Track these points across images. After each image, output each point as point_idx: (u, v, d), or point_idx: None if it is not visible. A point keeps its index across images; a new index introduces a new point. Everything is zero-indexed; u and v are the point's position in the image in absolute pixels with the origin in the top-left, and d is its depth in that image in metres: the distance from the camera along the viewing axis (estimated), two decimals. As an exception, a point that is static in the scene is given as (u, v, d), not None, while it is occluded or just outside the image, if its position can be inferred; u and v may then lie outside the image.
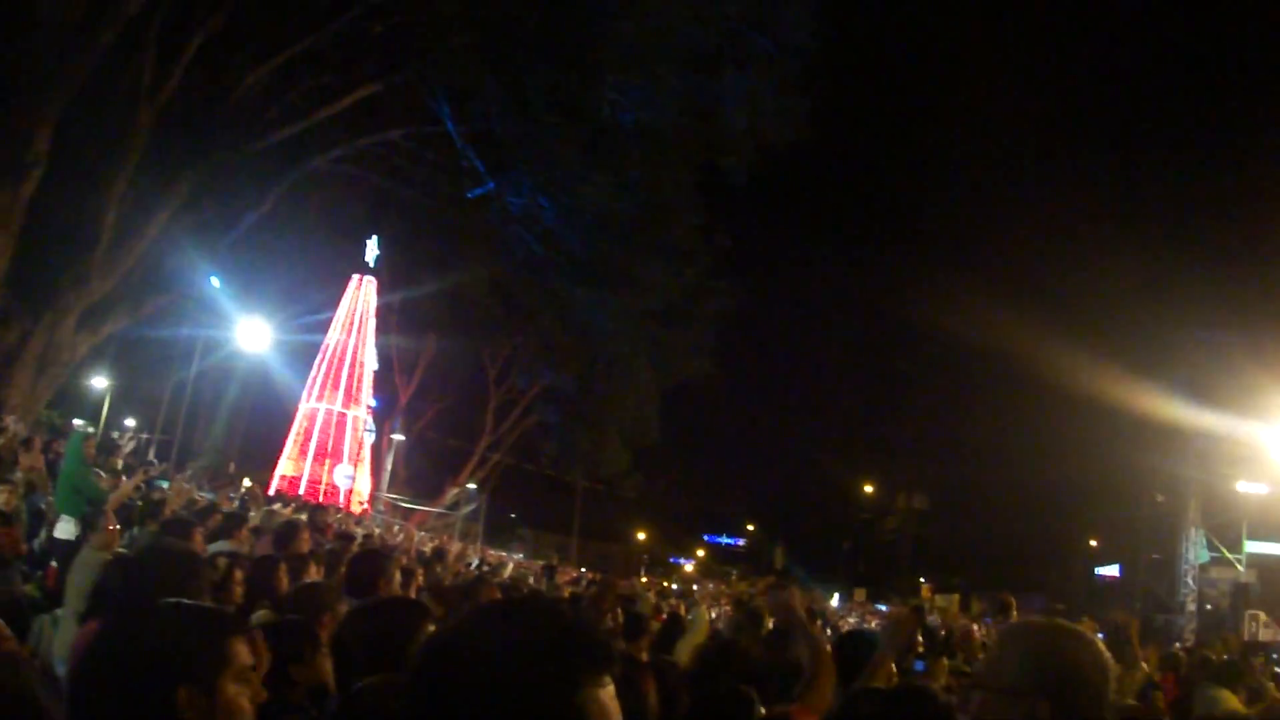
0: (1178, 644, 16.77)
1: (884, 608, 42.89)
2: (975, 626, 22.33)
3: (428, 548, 23.57)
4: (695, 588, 43.52)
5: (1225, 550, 34.71)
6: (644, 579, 47.61)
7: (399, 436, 48.14)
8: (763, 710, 4.01)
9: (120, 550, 7.30)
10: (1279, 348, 30.33)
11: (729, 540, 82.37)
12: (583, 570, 43.18)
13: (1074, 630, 2.67)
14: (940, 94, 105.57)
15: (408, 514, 45.45)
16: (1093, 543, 61.33)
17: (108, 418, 42.26)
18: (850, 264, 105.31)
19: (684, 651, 7.53)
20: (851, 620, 26.28)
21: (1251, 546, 34.58)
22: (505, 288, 39.96)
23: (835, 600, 45.40)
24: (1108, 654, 2.63)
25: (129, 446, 21.90)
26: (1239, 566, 34.61)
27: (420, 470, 50.89)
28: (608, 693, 1.66)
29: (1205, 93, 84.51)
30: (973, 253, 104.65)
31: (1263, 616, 29.98)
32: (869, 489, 75.01)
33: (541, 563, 31.26)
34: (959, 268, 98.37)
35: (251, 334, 35.11)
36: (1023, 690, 2.49)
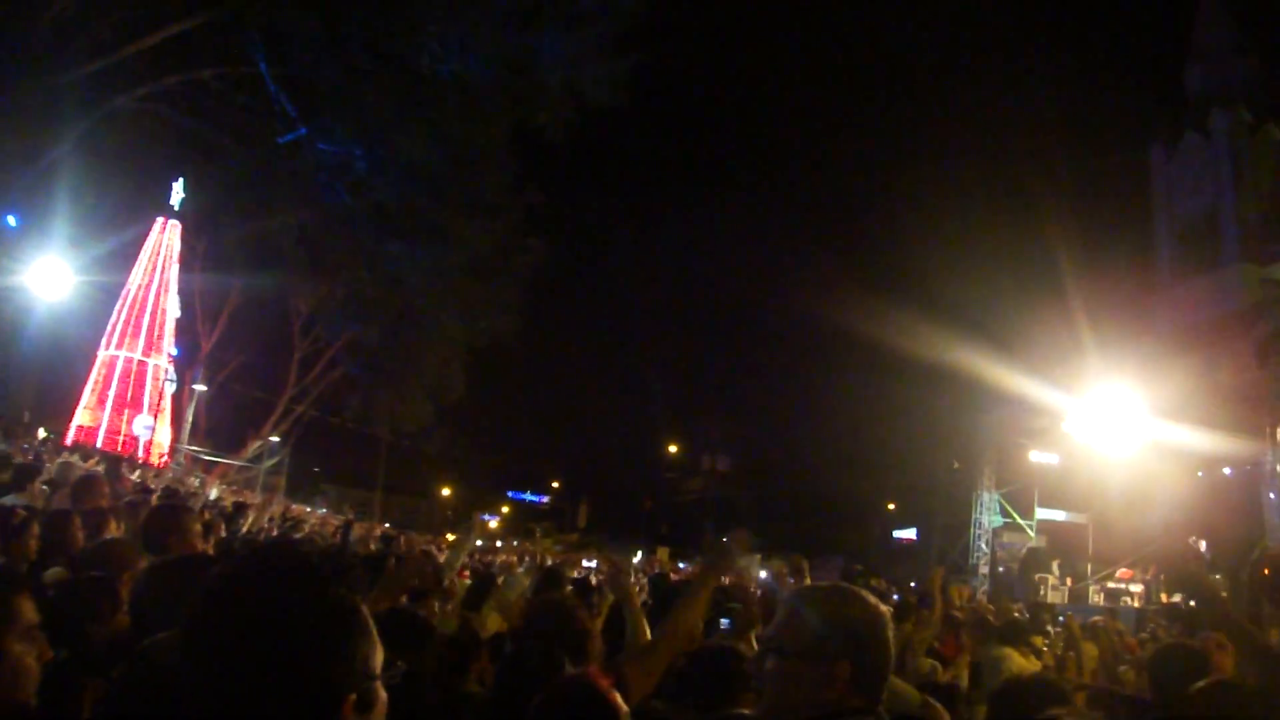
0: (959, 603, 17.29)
1: (685, 566, 43.40)
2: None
3: (228, 502, 23.15)
4: (500, 544, 43.44)
5: (1017, 516, 35.85)
6: (450, 535, 47.31)
7: (201, 387, 46.92)
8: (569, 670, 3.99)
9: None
10: (1074, 326, 31.32)
11: (534, 497, 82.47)
12: (386, 525, 42.80)
13: (858, 592, 2.73)
14: (760, 65, 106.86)
15: (209, 466, 44.55)
16: (890, 506, 63.18)
17: (-110, 365, 40.49)
18: (663, 227, 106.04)
19: (489, 613, 7.40)
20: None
21: (1042, 513, 35.82)
22: (314, 237, 39.24)
23: (638, 558, 45.75)
24: (886, 611, 2.70)
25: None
26: (1030, 532, 35.80)
27: (222, 422, 49.75)
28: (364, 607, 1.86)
29: (1043, 65, 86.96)
30: (784, 218, 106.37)
31: (1051, 579, 31.04)
32: (673, 449, 75.69)
33: (344, 517, 30.95)
34: (770, 233, 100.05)
35: (49, 277, 33.87)
36: (821, 653, 2.56)
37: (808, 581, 11.20)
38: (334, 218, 36.04)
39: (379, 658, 1.84)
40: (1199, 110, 50.71)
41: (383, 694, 1.85)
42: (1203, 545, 28.78)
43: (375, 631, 1.83)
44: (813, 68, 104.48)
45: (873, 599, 2.71)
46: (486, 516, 70.77)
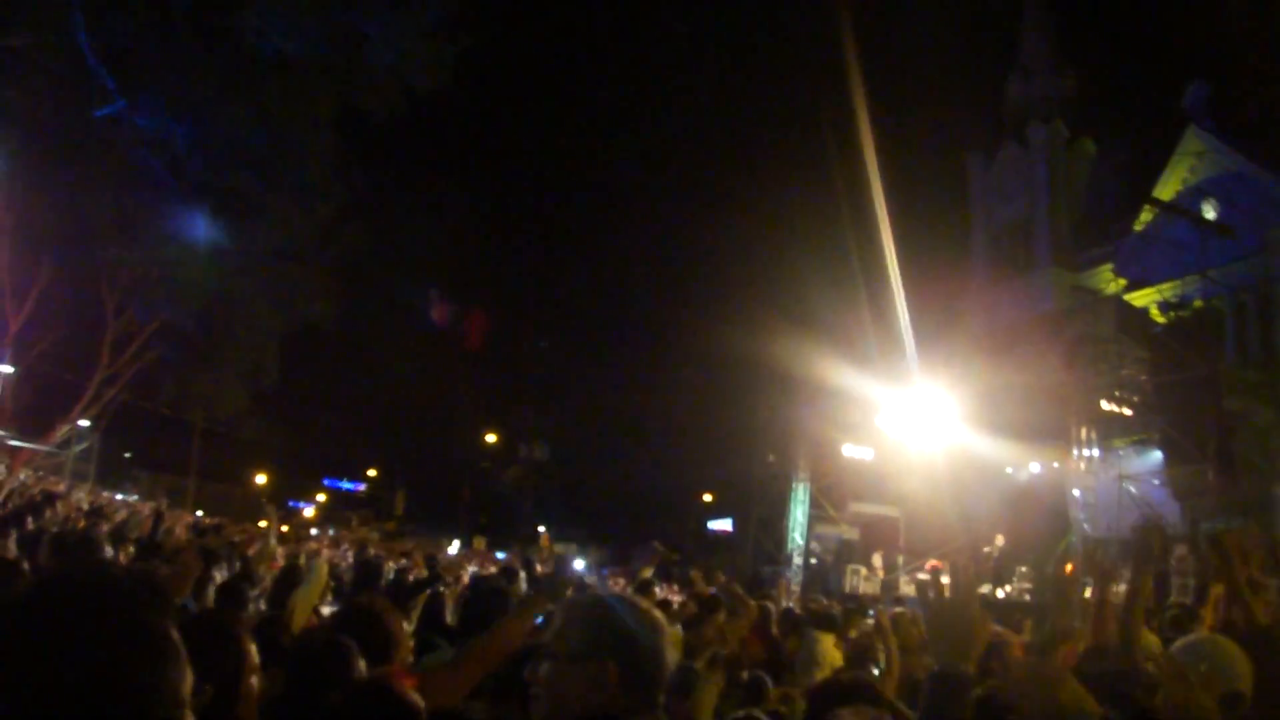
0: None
1: (503, 555, 43.34)
2: (593, 580, 22.85)
3: (36, 490, 22.49)
4: (314, 532, 42.90)
5: (831, 509, 36.46)
6: (265, 523, 46.44)
7: (7, 368, 45.43)
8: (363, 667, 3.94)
9: None
10: (890, 324, 31.91)
11: (350, 485, 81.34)
12: (199, 514, 41.94)
13: (631, 600, 2.88)
14: (592, 53, 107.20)
15: (14, 452, 43.23)
16: (707, 498, 64.15)
17: None
18: (486, 215, 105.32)
19: (299, 604, 7.25)
20: (471, 568, 26.50)
21: (856, 506, 36.52)
22: (129, 215, 38.24)
23: (455, 547, 45.56)
24: (660, 617, 2.81)
25: None
26: (843, 525, 36.45)
27: (30, 405, 48.25)
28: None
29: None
30: (608, 209, 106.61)
31: (864, 570, 31.67)
32: (491, 438, 75.58)
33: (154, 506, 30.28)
34: (592, 221, 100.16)
35: None
36: (588, 655, 2.65)
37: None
38: (151, 195, 35.20)
39: (189, 683, 1.80)
40: (1017, 122, 52.41)
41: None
42: (999, 540, 29.84)
43: (185, 656, 1.80)
44: (639, 61, 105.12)
45: (646, 606, 2.83)
46: (301, 504, 69.89)
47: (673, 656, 2.83)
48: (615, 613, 2.74)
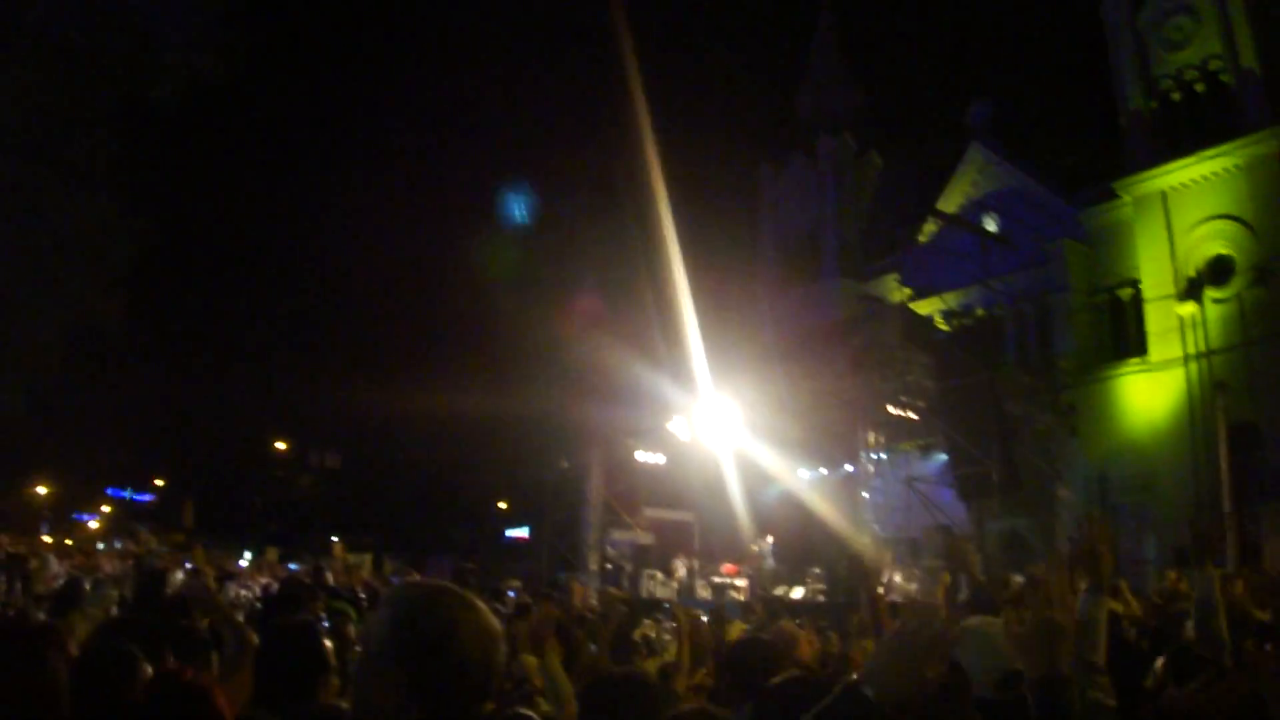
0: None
1: (296, 567, 42.55)
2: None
3: None
4: (101, 546, 41.59)
5: (625, 514, 36.61)
6: (47, 538, 44.70)
7: None
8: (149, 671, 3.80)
9: None
10: (682, 331, 32.24)
11: (137, 496, 78.67)
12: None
13: (453, 597, 2.56)
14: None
15: None
16: (502, 505, 64.10)
17: None
18: (278, 212, 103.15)
19: (78, 621, 6.97)
20: (264, 580, 25.89)
21: (650, 511, 36.72)
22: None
23: (246, 559, 44.45)
24: (491, 623, 2.54)
25: None
26: (637, 530, 36.62)
27: None
28: None
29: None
30: (404, 206, 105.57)
31: (659, 576, 31.85)
32: (281, 446, 74.17)
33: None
34: (389, 223, 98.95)
35: None
36: (384, 653, 2.44)
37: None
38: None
39: None
40: (807, 134, 53.41)
41: None
42: (768, 540, 30.46)
43: None
44: (429, 62, 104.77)
45: (475, 605, 2.55)
46: (86, 516, 67.72)
47: (497, 664, 2.50)
48: (427, 610, 2.48)
